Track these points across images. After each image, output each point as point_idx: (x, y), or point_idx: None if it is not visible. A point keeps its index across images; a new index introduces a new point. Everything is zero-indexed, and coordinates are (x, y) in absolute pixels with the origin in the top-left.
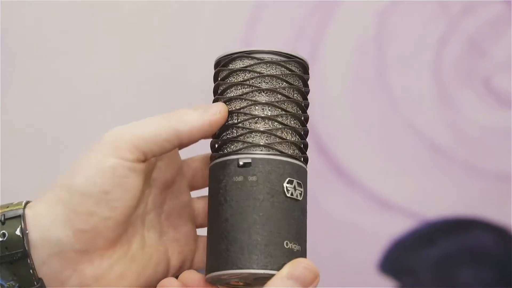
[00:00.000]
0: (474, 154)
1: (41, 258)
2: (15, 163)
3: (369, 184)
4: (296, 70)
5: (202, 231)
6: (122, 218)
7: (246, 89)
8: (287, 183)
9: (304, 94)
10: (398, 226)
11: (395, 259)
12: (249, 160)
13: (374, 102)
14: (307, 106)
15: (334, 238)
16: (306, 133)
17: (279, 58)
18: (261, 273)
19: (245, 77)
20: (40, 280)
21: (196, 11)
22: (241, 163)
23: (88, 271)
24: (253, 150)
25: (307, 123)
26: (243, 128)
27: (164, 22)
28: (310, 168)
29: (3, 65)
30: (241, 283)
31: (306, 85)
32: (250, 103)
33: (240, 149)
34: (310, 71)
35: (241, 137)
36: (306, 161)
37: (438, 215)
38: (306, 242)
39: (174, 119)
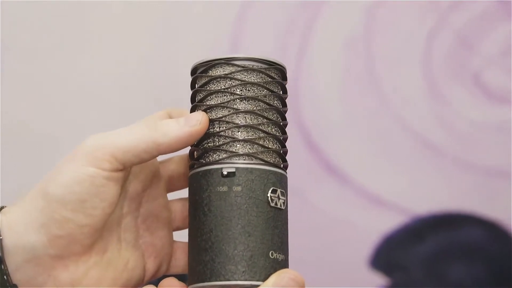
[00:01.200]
0: (464, 149)
1: (15, 264)
2: (9, 163)
3: (359, 180)
4: (276, 77)
5: (179, 234)
6: (98, 226)
7: (227, 97)
8: (271, 192)
9: (284, 100)
10: (389, 222)
11: (386, 255)
12: (233, 170)
13: (364, 98)
14: (285, 112)
15: (324, 234)
16: (286, 139)
17: (260, 65)
18: (247, 285)
19: (226, 85)
20: (14, 286)
21: (185, 7)
22: (225, 172)
23: (63, 277)
24: (236, 160)
25: (285, 128)
26: (225, 137)
27: (154, 21)
28: (300, 165)
29: None
30: None
31: (285, 91)
32: (231, 111)
33: (223, 159)
34: (299, 69)
35: (224, 146)
36: (286, 168)
37: (428, 211)
38: (288, 250)
39: (154, 130)
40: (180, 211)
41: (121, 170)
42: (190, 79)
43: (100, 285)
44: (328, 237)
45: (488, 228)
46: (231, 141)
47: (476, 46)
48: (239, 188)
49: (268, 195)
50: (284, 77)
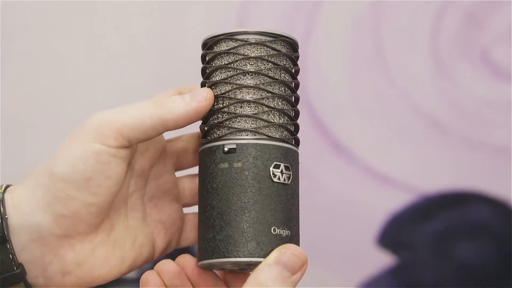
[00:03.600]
0: (472, 127)
1: (21, 244)
2: (10, 152)
3: (366, 159)
4: (282, 50)
5: (190, 210)
6: (104, 204)
7: (231, 73)
8: (274, 167)
9: (293, 73)
10: (397, 201)
11: (394, 234)
12: (234, 146)
13: (371, 77)
14: (297, 85)
15: (332, 212)
16: (297, 113)
17: (264, 38)
18: (249, 261)
19: (230, 60)
20: (20, 265)
21: None
22: (226, 149)
23: (69, 256)
24: (239, 135)
25: (298, 103)
26: (228, 113)
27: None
28: (307, 144)
29: None
30: (236, 267)
31: (295, 63)
32: (234, 86)
33: (226, 135)
34: (306, 47)
35: (227, 122)
36: (297, 142)
37: (436, 189)
38: (297, 225)
39: (160, 107)
40: (188, 188)
41: (127, 147)
42: (194, 57)
43: (107, 264)
44: (335, 215)
45: (495, 206)
46: (233, 117)
47: (484, 24)
48: (239, 164)
49: (271, 170)
50: (294, 49)
